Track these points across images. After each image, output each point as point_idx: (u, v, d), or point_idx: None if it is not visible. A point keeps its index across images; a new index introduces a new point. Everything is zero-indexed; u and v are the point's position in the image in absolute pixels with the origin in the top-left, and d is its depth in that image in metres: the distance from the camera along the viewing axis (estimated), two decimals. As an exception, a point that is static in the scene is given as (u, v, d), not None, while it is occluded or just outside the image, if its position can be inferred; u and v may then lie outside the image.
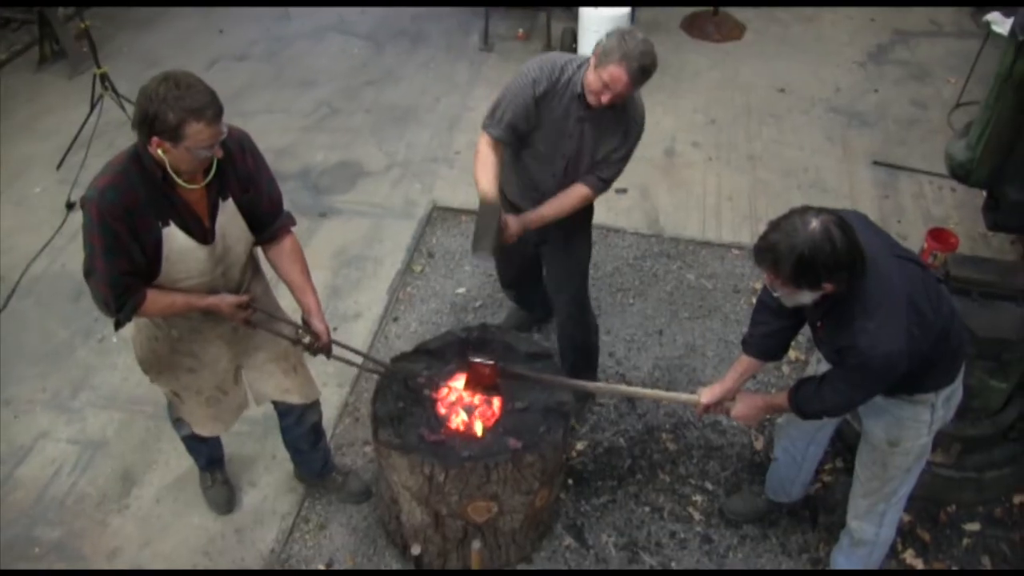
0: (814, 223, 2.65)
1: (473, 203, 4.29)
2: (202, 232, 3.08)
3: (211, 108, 2.77)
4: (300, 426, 3.91)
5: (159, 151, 2.80)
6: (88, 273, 2.98)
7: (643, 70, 3.43)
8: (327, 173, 6.43)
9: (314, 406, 3.89)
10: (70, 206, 5.79)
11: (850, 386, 2.98)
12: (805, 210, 2.72)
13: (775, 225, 2.74)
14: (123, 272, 2.95)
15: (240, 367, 3.63)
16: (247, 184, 3.15)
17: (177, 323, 3.33)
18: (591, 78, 3.48)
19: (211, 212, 3.08)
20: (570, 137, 3.70)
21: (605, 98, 3.48)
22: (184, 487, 4.30)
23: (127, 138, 2.82)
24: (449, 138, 6.83)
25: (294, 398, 3.76)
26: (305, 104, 7.23)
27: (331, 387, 4.66)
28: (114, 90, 6.27)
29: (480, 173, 3.68)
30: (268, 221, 3.31)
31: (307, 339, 3.40)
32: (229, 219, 3.14)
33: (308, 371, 3.80)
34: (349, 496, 4.21)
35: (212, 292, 3.21)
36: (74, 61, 7.40)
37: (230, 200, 3.12)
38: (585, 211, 4.03)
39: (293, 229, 3.42)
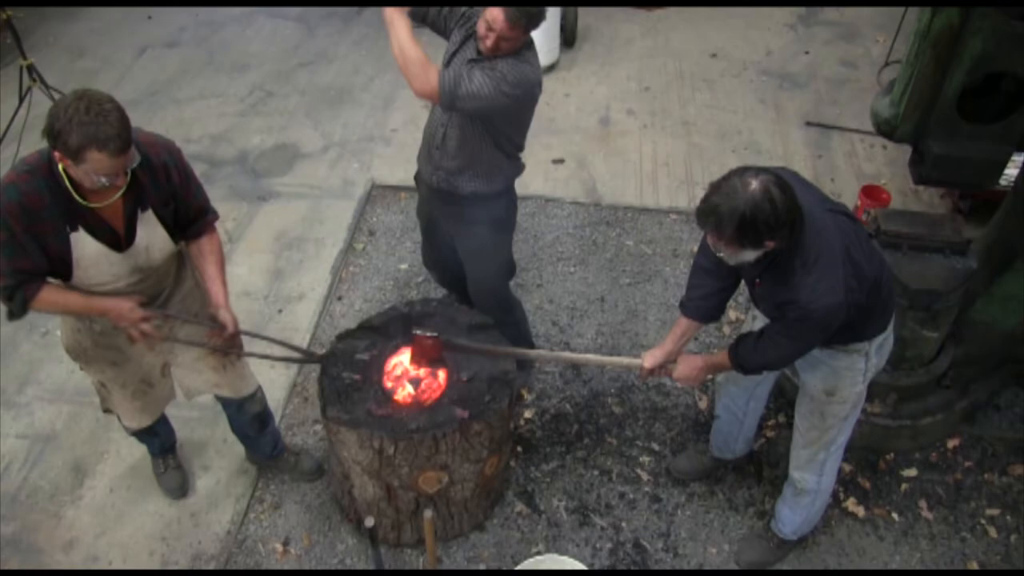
0: (754, 184, 2.68)
1: (411, 181, 4.32)
2: (114, 239, 3.02)
3: (116, 141, 2.67)
4: (242, 416, 3.92)
5: (61, 165, 2.78)
6: None
7: (520, 11, 3.35)
8: (264, 157, 6.37)
9: (251, 398, 3.86)
10: (4, 201, 5.68)
11: (791, 339, 3.03)
12: (744, 171, 2.75)
13: (715, 187, 2.76)
14: (21, 270, 2.91)
15: (167, 363, 3.61)
16: (169, 199, 3.11)
17: (98, 317, 3.29)
18: (480, 23, 3.46)
19: (128, 221, 3.03)
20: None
21: (489, 42, 3.44)
22: (137, 475, 4.31)
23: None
24: (385, 116, 6.83)
25: (225, 392, 3.75)
26: (239, 88, 7.17)
27: (279, 368, 4.66)
28: (43, 82, 6.15)
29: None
30: (192, 223, 3.29)
31: (216, 342, 3.39)
32: (150, 229, 3.09)
33: (242, 366, 3.75)
34: (302, 475, 4.25)
35: (127, 297, 3.14)
36: (-3, 53, 7.27)
37: (150, 211, 3.07)
38: (490, 213, 4.02)
39: (217, 224, 3.40)
